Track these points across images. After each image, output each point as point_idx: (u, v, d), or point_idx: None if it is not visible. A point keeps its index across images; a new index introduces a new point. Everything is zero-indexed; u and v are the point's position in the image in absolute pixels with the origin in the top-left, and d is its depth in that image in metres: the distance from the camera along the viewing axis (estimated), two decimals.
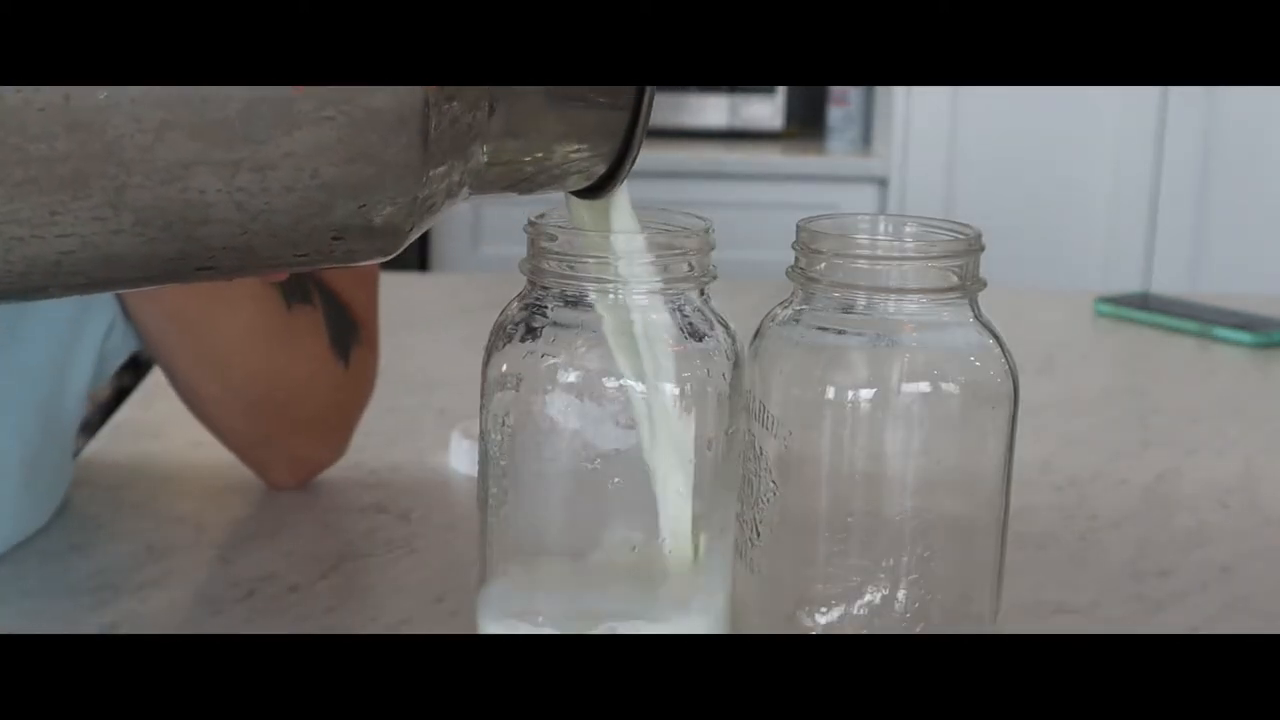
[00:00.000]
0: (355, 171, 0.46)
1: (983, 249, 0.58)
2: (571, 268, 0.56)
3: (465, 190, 0.50)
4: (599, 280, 0.56)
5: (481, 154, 0.49)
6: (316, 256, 0.49)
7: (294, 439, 0.84)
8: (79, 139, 0.43)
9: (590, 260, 0.56)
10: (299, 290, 0.80)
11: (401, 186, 0.47)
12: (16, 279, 0.44)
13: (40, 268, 0.44)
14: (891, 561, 0.58)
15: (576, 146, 0.53)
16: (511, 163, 0.51)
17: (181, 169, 0.44)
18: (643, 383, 0.56)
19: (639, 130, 0.53)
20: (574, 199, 0.56)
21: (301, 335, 0.80)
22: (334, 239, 0.48)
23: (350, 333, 0.83)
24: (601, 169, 0.54)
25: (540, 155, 0.52)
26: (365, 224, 0.48)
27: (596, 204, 0.56)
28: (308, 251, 0.48)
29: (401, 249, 0.50)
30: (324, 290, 0.82)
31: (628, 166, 0.54)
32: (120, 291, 0.76)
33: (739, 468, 0.59)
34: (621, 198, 0.56)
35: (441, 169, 0.48)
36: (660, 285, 0.56)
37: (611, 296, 0.56)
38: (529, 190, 0.54)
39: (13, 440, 0.74)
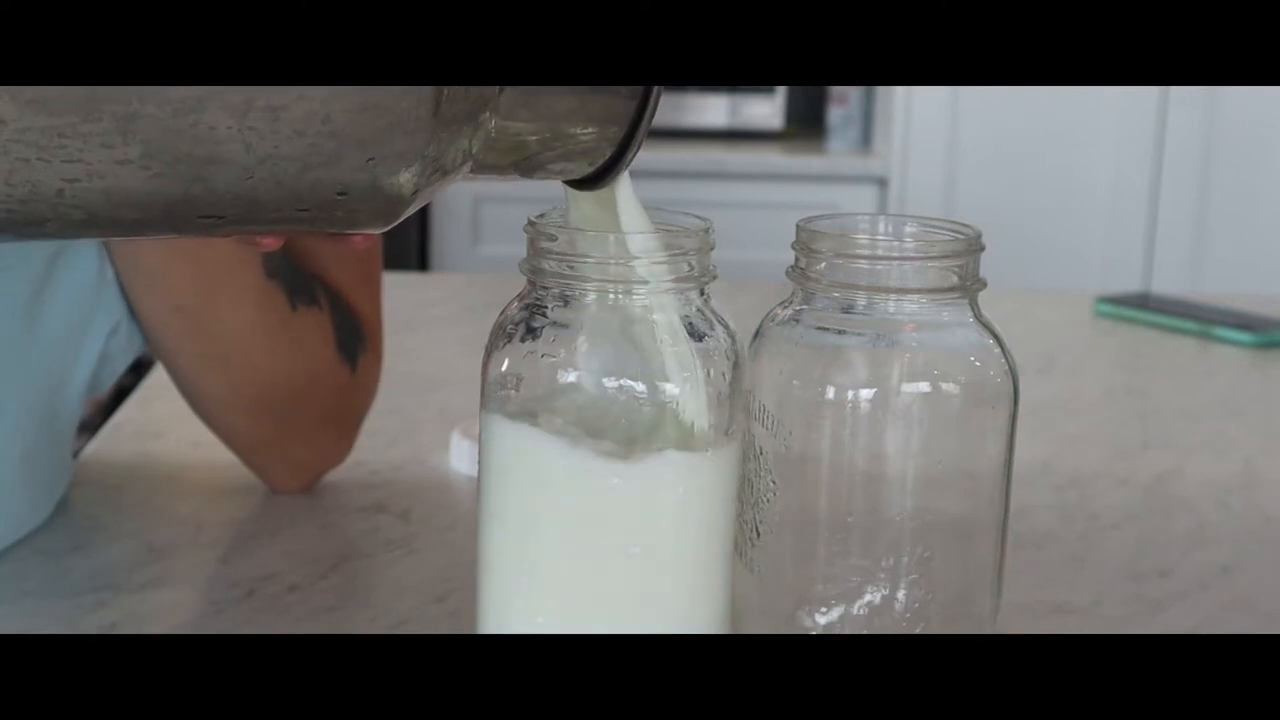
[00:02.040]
0: (366, 121, 0.46)
1: (983, 249, 0.58)
2: (571, 268, 0.56)
3: (469, 164, 0.50)
4: (600, 280, 0.56)
5: (490, 125, 0.49)
6: (318, 213, 0.49)
7: (296, 441, 0.84)
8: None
9: (592, 260, 0.56)
10: (305, 291, 0.79)
11: (410, 143, 0.47)
12: (16, 205, 0.44)
13: (42, 195, 0.44)
14: (891, 561, 0.58)
15: (584, 128, 0.53)
16: (518, 137, 0.51)
17: (195, 102, 0.44)
18: (668, 381, 0.56)
19: (646, 117, 0.53)
20: (577, 194, 0.56)
21: (306, 336, 0.80)
22: (338, 194, 0.48)
23: (357, 339, 0.83)
24: (605, 155, 0.54)
25: (547, 134, 0.52)
26: (370, 181, 0.48)
27: (602, 201, 0.56)
28: (310, 206, 0.48)
29: (401, 218, 0.50)
30: (330, 294, 0.82)
31: (631, 154, 0.54)
32: (127, 258, 0.75)
33: (739, 468, 0.59)
34: (628, 196, 0.56)
35: (450, 131, 0.48)
36: (674, 282, 0.56)
37: (612, 297, 0.56)
38: (530, 171, 0.53)
39: (12, 436, 0.74)
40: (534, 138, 0.52)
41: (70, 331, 0.76)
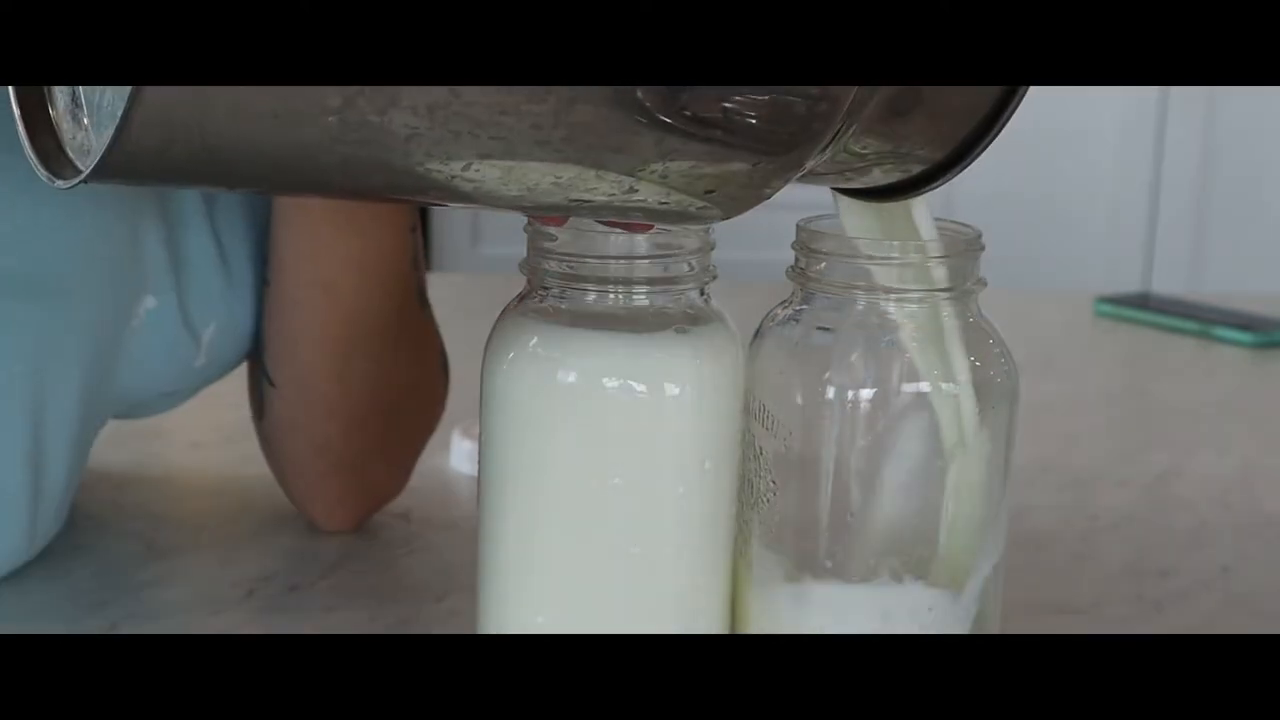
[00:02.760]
0: (777, 123, 0.47)
1: (983, 249, 0.58)
2: (571, 268, 0.56)
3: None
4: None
5: (850, 130, 0.49)
6: (671, 207, 0.49)
7: (375, 463, 0.80)
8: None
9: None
10: (424, 295, 0.77)
11: (807, 149, 0.48)
12: (419, 170, 0.44)
13: (449, 168, 0.44)
14: (892, 562, 0.58)
15: (914, 147, 0.53)
16: (864, 142, 0.51)
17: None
18: (952, 384, 0.56)
19: (990, 136, 0.53)
20: (849, 200, 0.56)
21: (423, 338, 0.78)
22: (706, 191, 0.48)
23: (445, 353, 0.80)
24: (915, 169, 0.54)
25: (882, 149, 0.52)
26: (745, 183, 0.48)
27: (886, 207, 0.56)
28: (671, 201, 0.48)
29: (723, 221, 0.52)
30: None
31: (955, 173, 0.54)
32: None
33: (739, 468, 0.59)
34: (922, 201, 0.56)
35: (837, 133, 0.48)
36: (949, 287, 0.57)
37: (612, 298, 0.56)
38: (824, 181, 0.54)
39: (74, 453, 0.73)
40: (868, 152, 0.52)
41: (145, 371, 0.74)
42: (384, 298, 0.75)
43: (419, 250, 0.76)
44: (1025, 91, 0.53)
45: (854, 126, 0.49)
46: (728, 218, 0.51)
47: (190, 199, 0.75)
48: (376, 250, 0.74)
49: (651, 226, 0.55)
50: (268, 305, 0.76)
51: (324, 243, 0.73)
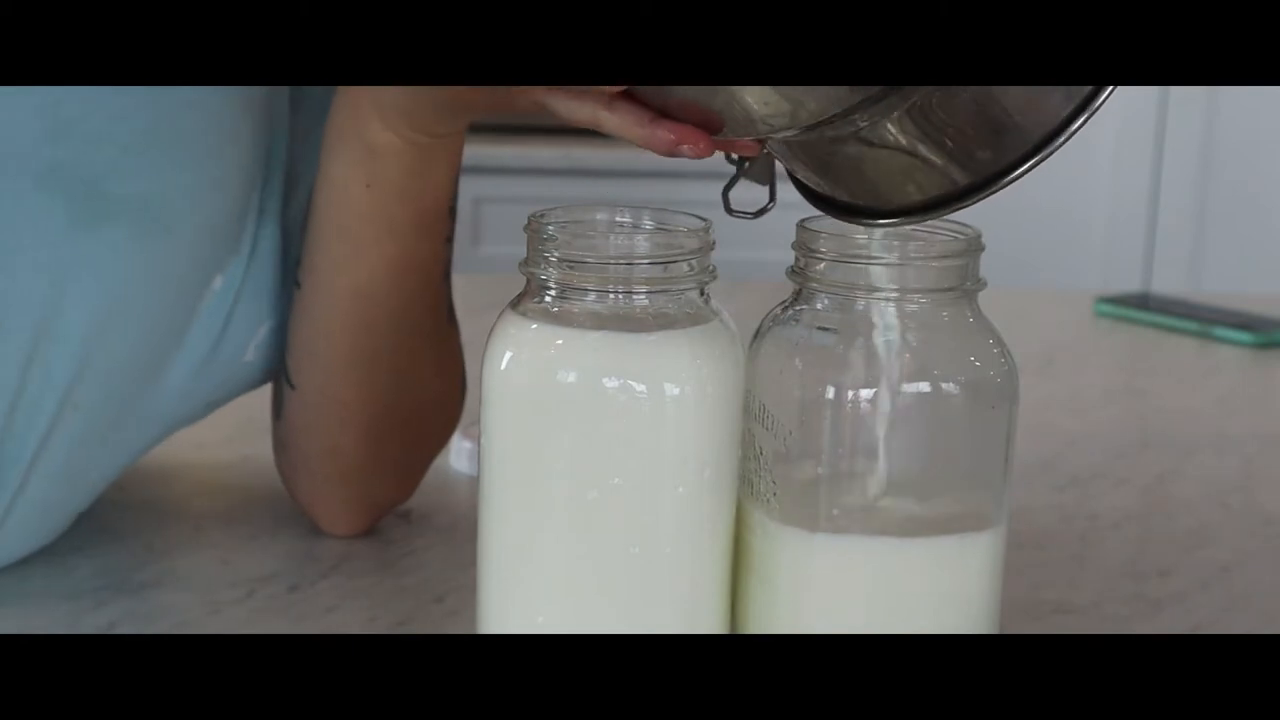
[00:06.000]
0: None
1: (983, 249, 0.58)
2: (571, 268, 0.56)
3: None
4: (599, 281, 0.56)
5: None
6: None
7: (388, 472, 0.79)
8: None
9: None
10: (452, 306, 0.77)
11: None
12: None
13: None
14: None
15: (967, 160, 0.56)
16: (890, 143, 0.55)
17: None
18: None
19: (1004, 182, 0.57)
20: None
21: (447, 354, 0.78)
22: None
23: (465, 371, 0.80)
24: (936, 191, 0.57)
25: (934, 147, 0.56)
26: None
27: None
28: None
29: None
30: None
31: (964, 205, 0.57)
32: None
33: (739, 468, 0.59)
34: None
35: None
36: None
37: (612, 297, 0.57)
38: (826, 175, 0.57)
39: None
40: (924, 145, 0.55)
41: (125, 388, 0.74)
42: (414, 308, 0.74)
43: (449, 263, 0.76)
44: (1051, 152, 0.55)
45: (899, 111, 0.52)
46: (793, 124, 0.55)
47: (276, 194, 0.75)
48: (414, 257, 0.73)
49: (710, 146, 0.58)
50: (296, 308, 0.75)
51: (363, 247, 0.72)
